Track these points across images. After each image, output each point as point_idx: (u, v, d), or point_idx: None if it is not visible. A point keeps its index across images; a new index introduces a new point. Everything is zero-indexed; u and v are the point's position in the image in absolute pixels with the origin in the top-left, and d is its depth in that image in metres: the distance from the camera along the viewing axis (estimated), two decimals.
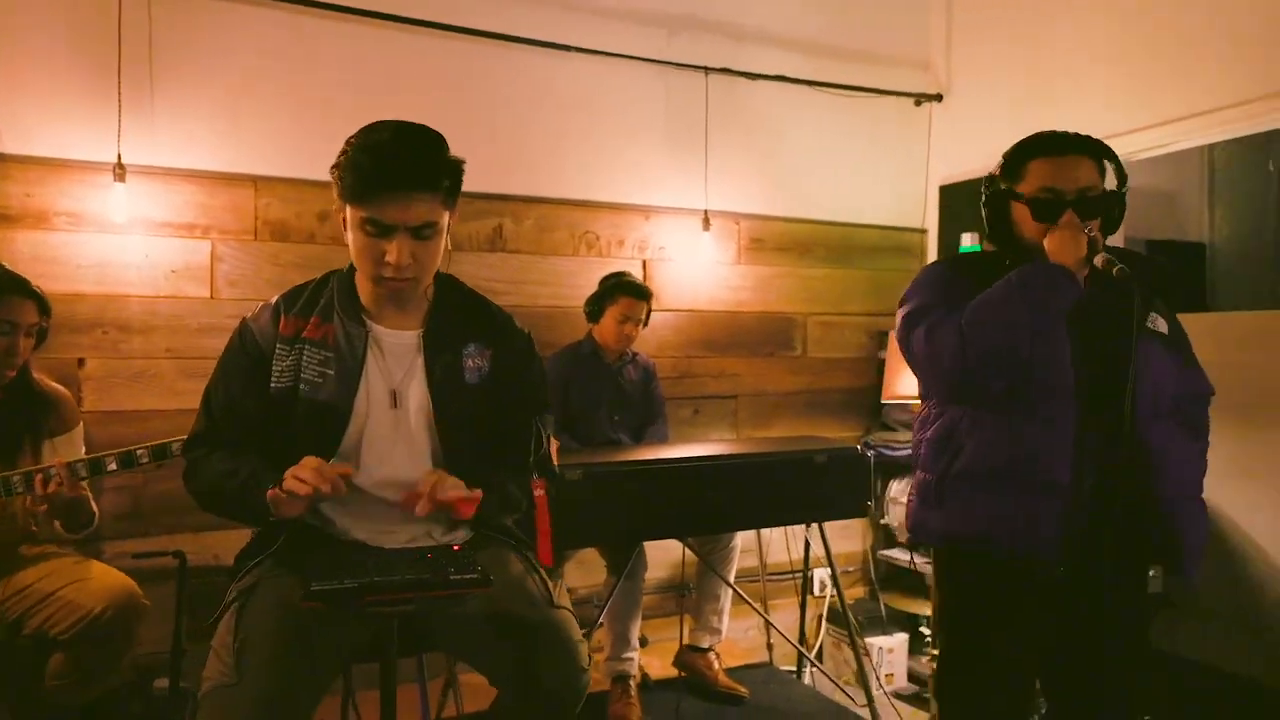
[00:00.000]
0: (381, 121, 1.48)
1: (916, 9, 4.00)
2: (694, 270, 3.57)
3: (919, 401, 1.87)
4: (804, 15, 3.74)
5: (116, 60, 2.65)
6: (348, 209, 1.48)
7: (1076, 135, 1.66)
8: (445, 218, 1.50)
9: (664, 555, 3.28)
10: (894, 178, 3.97)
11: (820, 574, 3.59)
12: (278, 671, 1.36)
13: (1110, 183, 1.69)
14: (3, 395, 2.13)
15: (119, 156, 2.63)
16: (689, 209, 3.53)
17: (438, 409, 1.58)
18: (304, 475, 1.38)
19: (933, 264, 1.91)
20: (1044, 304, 1.55)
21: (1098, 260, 1.54)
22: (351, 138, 1.48)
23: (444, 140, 1.49)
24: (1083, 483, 1.60)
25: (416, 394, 1.59)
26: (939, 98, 3.95)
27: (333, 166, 1.48)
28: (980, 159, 3.67)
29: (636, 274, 3.34)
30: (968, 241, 3.44)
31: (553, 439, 1.77)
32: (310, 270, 2.89)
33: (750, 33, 3.63)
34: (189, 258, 2.80)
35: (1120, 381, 1.53)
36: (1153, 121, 3.11)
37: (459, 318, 1.65)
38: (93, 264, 2.69)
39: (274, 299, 1.61)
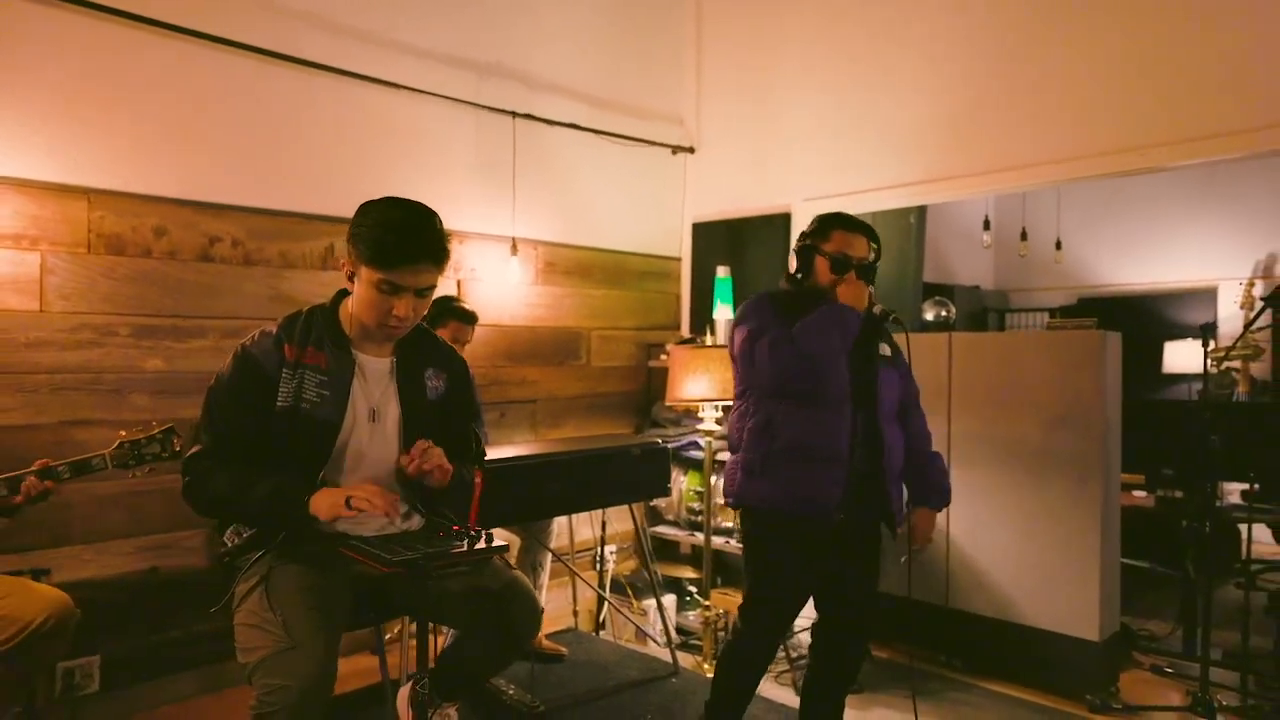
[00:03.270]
0: (390, 200, 1.83)
1: (673, 75, 4.80)
2: (501, 290, 4.03)
3: (734, 400, 2.51)
4: (588, 73, 4.36)
5: None
6: (363, 269, 1.79)
7: (864, 222, 2.43)
8: (439, 279, 1.88)
9: None
10: (657, 214, 4.74)
11: (607, 550, 4.22)
12: (323, 634, 1.68)
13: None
14: None
15: None
16: (499, 235, 3.99)
17: (407, 421, 1.95)
18: (374, 498, 1.73)
19: (757, 297, 2.47)
20: (846, 331, 2.27)
21: (875, 309, 2.32)
22: (367, 210, 1.81)
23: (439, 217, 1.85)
24: (853, 457, 2.37)
25: (391, 410, 1.95)
26: (691, 150, 4.79)
27: (351, 236, 1.81)
28: (722, 203, 4.59)
29: (452, 292, 3.73)
30: (722, 273, 4.27)
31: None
32: (147, 285, 3.00)
33: (546, 84, 4.16)
34: (16, 269, 2.71)
35: (871, 389, 2.35)
36: (850, 190, 4.17)
37: (419, 348, 2.03)
38: None
39: (272, 329, 1.87)
